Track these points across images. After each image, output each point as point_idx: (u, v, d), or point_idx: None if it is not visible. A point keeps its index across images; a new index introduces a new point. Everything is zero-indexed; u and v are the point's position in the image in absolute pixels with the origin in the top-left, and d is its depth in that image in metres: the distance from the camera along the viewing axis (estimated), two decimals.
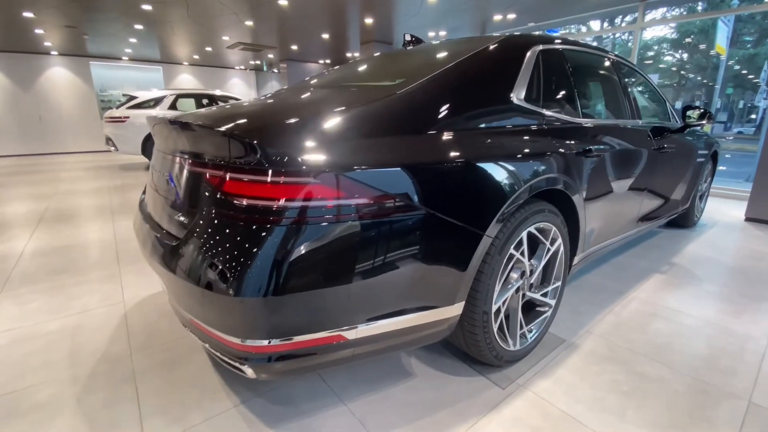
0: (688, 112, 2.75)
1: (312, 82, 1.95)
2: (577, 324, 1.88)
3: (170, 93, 7.48)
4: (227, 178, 0.99)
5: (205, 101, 7.89)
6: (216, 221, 0.99)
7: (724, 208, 4.34)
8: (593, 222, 1.88)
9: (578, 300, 2.13)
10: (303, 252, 0.92)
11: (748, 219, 3.85)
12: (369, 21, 6.68)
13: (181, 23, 7.11)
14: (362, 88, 1.51)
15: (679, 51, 19.69)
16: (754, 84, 17.99)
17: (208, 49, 9.58)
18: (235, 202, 0.96)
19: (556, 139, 1.56)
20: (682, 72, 20.16)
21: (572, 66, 1.87)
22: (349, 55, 10.31)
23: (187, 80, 12.32)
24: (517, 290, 1.50)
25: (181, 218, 1.15)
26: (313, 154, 0.95)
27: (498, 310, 1.41)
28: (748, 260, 2.78)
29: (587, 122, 1.83)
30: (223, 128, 1.01)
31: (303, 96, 1.51)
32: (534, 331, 1.62)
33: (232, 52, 10.08)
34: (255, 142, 0.93)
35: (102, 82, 11.44)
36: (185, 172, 1.16)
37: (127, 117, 6.95)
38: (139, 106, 7.06)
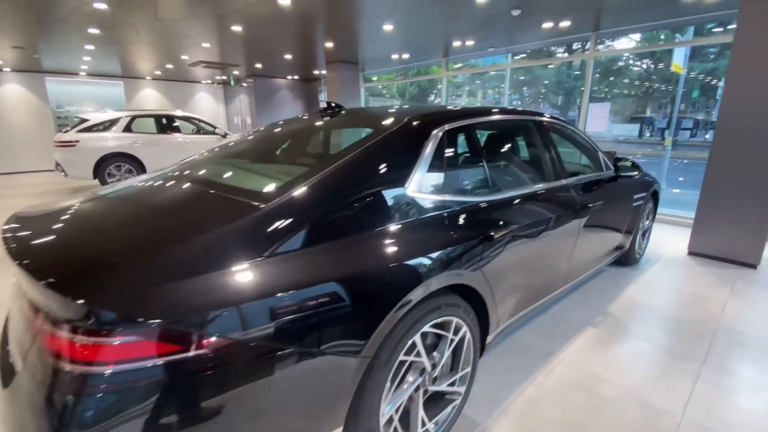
0: (619, 163, 2.78)
1: (173, 172, 1.69)
2: (495, 401, 1.83)
3: (125, 115, 7.20)
4: (42, 328, 0.88)
5: (164, 121, 7.63)
6: (32, 378, 0.88)
7: (669, 238, 4.43)
8: (508, 300, 1.82)
9: (502, 368, 2.08)
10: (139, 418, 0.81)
11: (690, 253, 3.94)
12: (329, 45, 6.62)
13: (135, 45, 6.89)
14: (220, 194, 1.31)
15: (645, 62, 20.49)
16: (715, 92, 18.83)
17: (169, 66, 9.32)
18: (47, 358, 0.85)
19: (457, 229, 1.49)
20: (647, 83, 20.98)
21: (484, 139, 1.84)
22: (316, 72, 10.22)
23: (151, 96, 11.96)
24: (417, 388, 1.42)
25: (10, 361, 1.03)
26: (135, 303, 0.84)
27: (390, 419, 1.33)
28: (683, 308, 2.81)
29: (498, 198, 1.77)
30: (20, 258, 0.89)
31: (141, 205, 1.34)
32: (440, 425, 1.55)
33: (197, 68, 9.85)
34: (55, 289, 0.82)
35: (58, 98, 10.98)
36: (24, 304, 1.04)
37: (77, 141, 6.66)
38: (89, 129, 6.78)
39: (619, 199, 2.83)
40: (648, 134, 22.20)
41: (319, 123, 1.90)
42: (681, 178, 10.14)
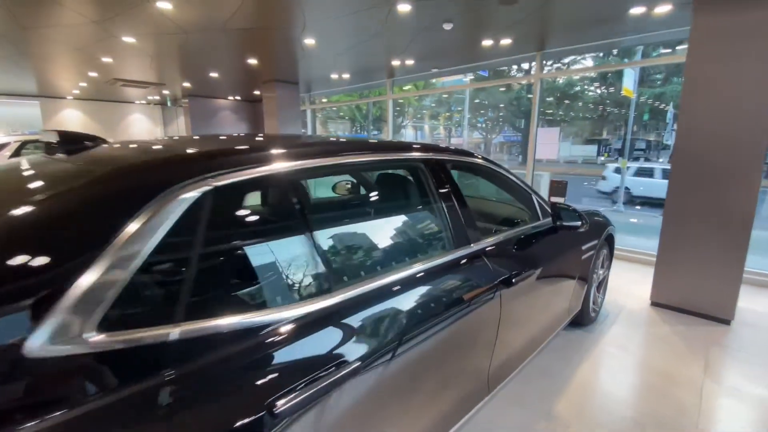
0: (560, 208, 2.11)
1: None
2: None
3: (14, 139, 6.16)
4: None
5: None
6: None
7: (630, 282, 3.83)
8: None
9: None
10: None
11: (654, 304, 3.33)
12: (252, 61, 5.88)
13: (25, 60, 5.89)
14: None
15: (600, 88, 21.18)
16: (665, 116, 19.57)
17: (83, 84, 8.28)
18: None
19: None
20: (601, 106, 21.63)
21: (312, 201, 1.13)
22: (257, 93, 9.44)
23: (73, 117, 10.76)
24: None
25: None
26: None
27: None
28: (649, 401, 2.11)
29: (331, 303, 1.00)
30: None
31: None
32: None
33: (122, 87, 8.84)
34: None
35: None
36: None
37: None
38: None
39: (562, 254, 2.15)
40: (606, 155, 22.83)
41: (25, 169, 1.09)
42: (638, 207, 9.92)
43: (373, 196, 1.62)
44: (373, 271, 1.27)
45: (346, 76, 6.93)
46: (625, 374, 2.34)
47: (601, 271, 2.93)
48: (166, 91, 9.56)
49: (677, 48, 5.69)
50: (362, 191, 2.29)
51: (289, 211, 1.08)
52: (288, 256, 1.04)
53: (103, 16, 3.87)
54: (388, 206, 1.66)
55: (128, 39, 4.62)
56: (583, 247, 2.40)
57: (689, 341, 2.74)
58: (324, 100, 10.55)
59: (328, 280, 1.05)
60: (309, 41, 4.64)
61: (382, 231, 1.40)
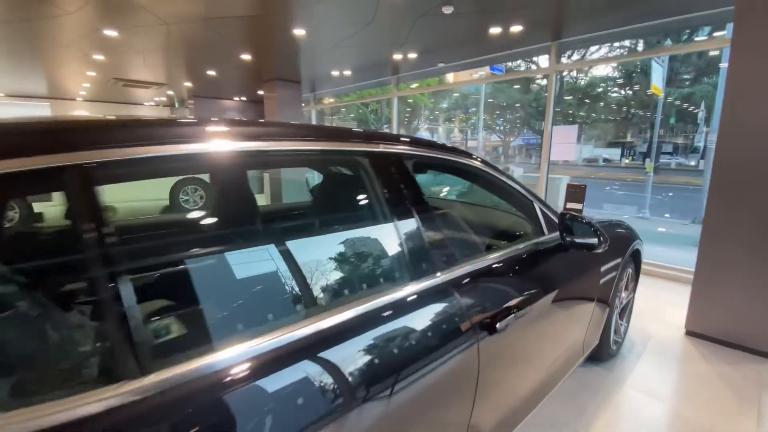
0: (571, 222, 1.63)
1: None
2: None
3: None
4: None
5: None
6: None
7: (660, 304, 3.29)
8: None
9: None
10: None
11: (689, 333, 2.79)
12: (246, 57, 5.57)
13: (24, 60, 5.77)
14: None
15: (625, 88, 20.23)
16: (694, 119, 18.54)
17: (86, 85, 8.20)
18: None
19: None
20: (624, 108, 20.65)
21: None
22: (261, 92, 9.19)
23: None
24: None
25: None
26: None
27: None
28: None
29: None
30: None
31: None
32: None
33: (128, 88, 8.74)
34: None
35: None
36: None
37: None
38: None
39: (573, 279, 1.68)
40: (630, 158, 21.82)
41: None
42: (667, 215, 9.15)
43: (281, 210, 1.19)
44: (284, 317, 0.85)
45: (347, 72, 6.56)
46: (655, 429, 1.84)
47: (624, 295, 2.42)
48: (171, 92, 9.43)
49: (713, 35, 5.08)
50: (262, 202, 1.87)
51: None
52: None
53: (76, 6, 3.60)
54: (308, 223, 1.24)
55: (110, 32, 4.37)
56: (603, 268, 1.92)
57: (736, 384, 2.20)
58: (331, 100, 10.24)
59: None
60: (299, 31, 4.27)
61: (300, 255, 0.98)
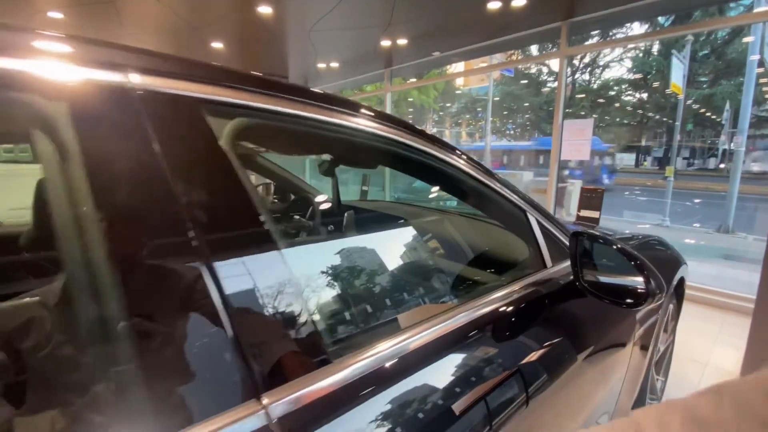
0: (593, 249, 0.96)
1: None
2: None
3: None
4: None
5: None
6: None
7: (705, 341, 2.56)
8: None
9: None
10: None
11: None
12: (218, 46, 5.00)
13: None
14: None
15: (640, 90, 19.36)
16: (713, 122, 17.60)
17: None
18: None
19: None
20: (640, 110, 19.74)
21: None
22: None
23: None
24: None
25: None
26: None
27: None
28: None
29: None
30: None
31: None
32: None
33: None
34: None
35: None
36: None
37: None
38: None
39: (590, 342, 1.00)
40: (645, 163, 20.88)
41: None
42: (697, 225, 8.29)
43: None
44: None
45: (334, 65, 5.97)
46: None
47: (662, 339, 1.73)
48: None
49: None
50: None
51: None
52: None
53: None
54: None
55: (55, 15, 3.84)
56: (639, 314, 1.24)
57: None
58: None
59: None
60: (264, 9, 3.68)
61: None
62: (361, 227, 1.53)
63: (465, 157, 0.86)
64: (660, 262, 1.53)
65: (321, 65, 6.01)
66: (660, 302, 1.38)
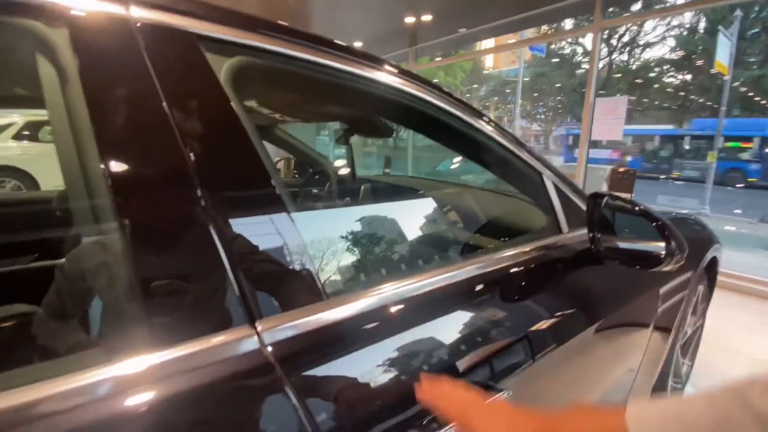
0: (613, 203, 0.90)
1: None
2: None
3: (17, 119, 5.89)
4: None
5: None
6: None
7: (738, 330, 2.43)
8: None
9: None
10: None
11: None
12: None
13: None
14: None
15: (682, 72, 18.19)
16: (762, 107, 16.38)
17: None
18: None
19: None
20: (681, 93, 18.58)
21: None
22: None
23: None
24: None
25: None
26: None
27: None
28: None
29: None
30: None
31: None
32: None
33: None
34: None
35: None
36: None
37: None
38: None
39: (607, 312, 0.95)
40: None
41: None
42: (735, 211, 7.83)
43: None
44: None
45: (358, 44, 5.90)
46: None
47: (690, 322, 1.65)
48: None
49: None
50: None
51: None
52: None
53: None
54: None
55: None
56: (664, 289, 1.18)
57: None
58: None
59: None
60: None
61: None
62: (368, 187, 1.56)
63: (484, 117, 0.83)
64: (691, 239, 1.45)
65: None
66: (687, 278, 1.31)
